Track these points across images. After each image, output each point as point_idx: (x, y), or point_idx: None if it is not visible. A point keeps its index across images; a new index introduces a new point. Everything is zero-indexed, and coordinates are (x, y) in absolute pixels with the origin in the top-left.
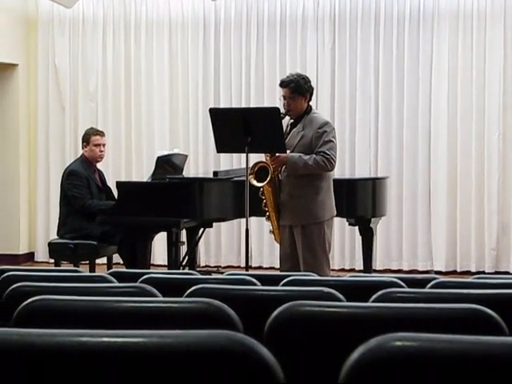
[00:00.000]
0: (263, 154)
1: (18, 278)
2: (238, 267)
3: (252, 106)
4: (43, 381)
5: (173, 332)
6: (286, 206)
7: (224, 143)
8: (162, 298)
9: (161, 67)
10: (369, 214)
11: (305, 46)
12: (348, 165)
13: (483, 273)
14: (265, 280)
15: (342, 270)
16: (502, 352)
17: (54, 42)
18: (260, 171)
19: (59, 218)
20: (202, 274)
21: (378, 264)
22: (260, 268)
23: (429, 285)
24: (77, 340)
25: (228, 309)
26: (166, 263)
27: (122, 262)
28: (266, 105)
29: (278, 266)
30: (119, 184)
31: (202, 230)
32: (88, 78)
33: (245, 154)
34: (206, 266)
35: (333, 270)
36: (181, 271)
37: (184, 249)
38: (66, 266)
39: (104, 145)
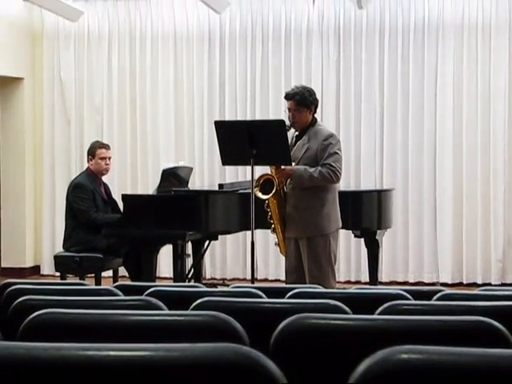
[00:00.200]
0: (268, 167)
1: (24, 292)
2: (244, 280)
3: (257, 118)
4: None
5: (179, 345)
6: (291, 218)
7: (229, 156)
8: (167, 311)
9: (166, 80)
10: (374, 226)
11: (310, 59)
12: (353, 177)
13: (489, 285)
14: (270, 292)
15: (348, 282)
16: (509, 365)
17: (60, 55)
18: (265, 184)
19: (65, 231)
20: (207, 287)
21: (383, 276)
22: (266, 280)
23: (435, 297)
24: (83, 354)
25: (234, 322)
26: (171, 276)
27: (127, 274)
28: (272, 117)
29: (283, 278)
30: (125, 197)
31: (207, 242)
32: (93, 91)
33: (250, 167)
34: (212, 279)
35: (338, 282)
36: (186, 284)
37: (190, 261)
38: (71, 279)
39: (109, 158)
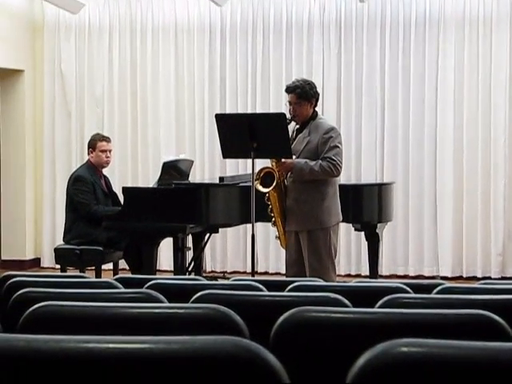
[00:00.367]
0: (269, 160)
1: (24, 284)
2: (244, 273)
3: (258, 111)
4: None
5: (179, 338)
6: (291, 212)
7: (230, 149)
8: (168, 304)
9: (167, 73)
10: (375, 220)
11: (311, 52)
12: (354, 170)
13: (489, 278)
14: (271, 286)
15: (348, 275)
16: (508, 358)
17: (60, 47)
18: (266, 177)
19: (65, 224)
20: (208, 280)
21: (383, 269)
22: (266, 273)
23: (435, 290)
24: (83, 346)
25: (234, 315)
26: (171, 269)
27: (127, 267)
28: (272, 110)
29: (284, 271)
30: (125, 190)
31: (208, 235)
32: (94, 83)
33: (251, 160)
34: (212, 272)
35: (339, 275)
36: (187, 277)
37: (190, 254)
38: (71, 271)
39: (110, 150)
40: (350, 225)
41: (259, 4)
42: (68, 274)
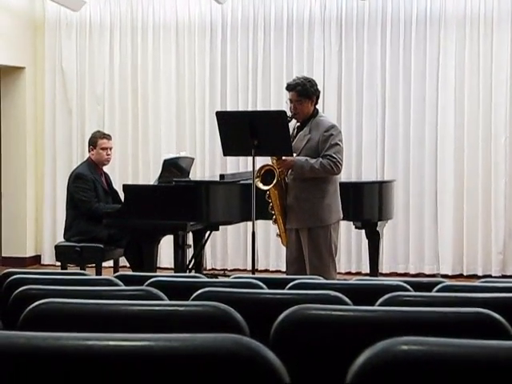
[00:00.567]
0: (270, 157)
1: (24, 281)
2: (245, 270)
3: (259, 109)
4: None
5: (179, 335)
6: (292, 209)
7: (230, 146)
8: (168, 302)
9: (168, 70)
10: (375, 218)
11: (311, 49)
12: (354, 168)
13: (490, 276)
14: (271, 283)
15: (349, 273)
16: (508, 356)
17: (61, 45)
18: (266, 174)
19: (66, 221)
20: (208, 278)
21: (384, 267)
22: (266, 271)
23: (435, 288)
24: (83, 343)
25: (234, 312)
26: (172, 266)
27: (128, 265)
28: (273, 108)
29: (284, 269)
30: (126, 187)
31: (208, 233)
32: (95, 81)
33: (251, 157)
34: (213, 269)
35: (339, 273)
36: (187, 274)
37: (190, 252)
38: (72, 268)
39: (111, 148)
40: (351, 223)
41: (260, 2)
42: (68, 271)
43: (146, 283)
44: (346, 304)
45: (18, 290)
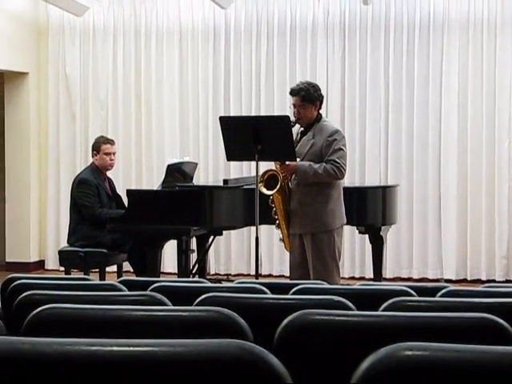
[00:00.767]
0: (273, 162)
1: (28, 286)
2: (248, 275)
3: (262, 114)
4: None
5: (183, 341)
6: (295, 214)
7: (234, 151)
8: (171, 307)
9: (171, 75)
10: (379, 223)
11: (315, 55)
12: (358, 173)
13: (494, 281)
14: (275, 288)
15: (352, 278)
16: None
17: (65, 50)
18: (270, 179)
19: (69, 226)
20: (211, 283)
21: (387, 272)
22: (270, 276)
23: (439, 293)
24: (87, 349)
25: (238, 317)
26: (175, 271)
27: (131, 270)
28: (276, 113)
29: (287, 274)
30: (129, 192)
31: (212, 237)
32: (98, 86)
33: (255, 162)
34: (216, 274)
35: (343, 278)
36: (191, 279)
37: (194, 257)
38: (76, 274)
39: (114, 153)
40: (354, 227)
41: (263, 7)
42: (72, 276)
43: (150, 288)
44: (350, 309)
45: (22, 296)
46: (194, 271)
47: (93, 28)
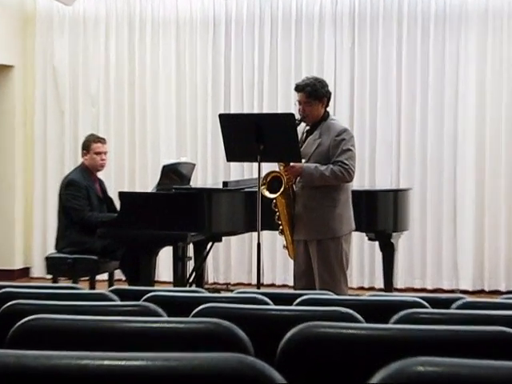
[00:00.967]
0: (276, 164)
1: (13, 295)
2: (249, 285)
3: (265, 111)
4: None
5: (178, 355)
6: (300, 219)
7: (235, 151)
8: (167, 318)
9: (167, 69)
10: (390, 229)
11: (322, 47)
12: (368, 175)
13: None
14: (277, 299)
15: (361, 288)
16: None
17: (53, 41)
18: (273, 182)
19: (57, 231)
20: (210, 292)
21: (399, 282)
22: (272, 286)
23: (454, 305)
24: (76, 363)
25: (238, 330)
26: (171, 280)
27: (124, 278)
28: (280, 110)
29: (291, 283)
30: (122, 194)
31: (210, 244)
32: (89, 80)
33: (257, 163)
34: (215, 284)
35: (351, 288)
36: (187, 289)
37: (191, 265)
38: (64, 282)
39: (105, 153)
40: (364, 234)
41: None
42: (60, 284)
43: (143, 298)
44: (358, 321)
45: (6, 305)
46: (190, 280)
47: (83, 17)
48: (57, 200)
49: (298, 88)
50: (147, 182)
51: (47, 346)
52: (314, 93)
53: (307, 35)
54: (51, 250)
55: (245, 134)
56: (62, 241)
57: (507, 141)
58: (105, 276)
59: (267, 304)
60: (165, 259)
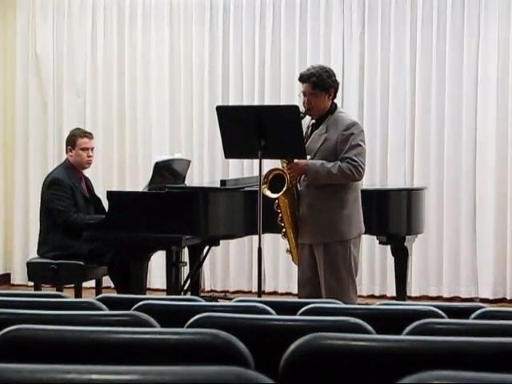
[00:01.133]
0: (279, 160)
1: None
2: (249, 292)
3: (266, 103)
4: None
5: (172, 368)
6: (305, 221)
7: (233, 147)
8: (159, 329)
9: (160, 57)
10: (403, 231)
11: (329, 32)
12: (379, 173)
13: None
14: (280, 308)
15: (372, 296)
16: None
17: (36, 28)
18: (275, 180)
19: (39, 234)
20: (206, 301)
21: (413, 290)
22: (275, 294)
23: (473, 315)
24: (61, 377)
25: (237, 342)
26: (164, 287)
27: (112, 285)
28: (283, 102)
29: (295, 291)
30: (110, 194)
31: (207, 248)
32: (75, 69)
33: (258, 160)
34: (212, 291)
35: (360, 296)
36: (182, 297)
37: (186, 271)
38: (47, 289)
39: (92, 148)
40: (374, 237)
41: None
42: (43, 292)
43: (134, 307)
44: (369, 333)
45: None
46: (185, 287)
47: (68, 2)
48: (39, 200)
49: (303, 78)
50: (138, 181)
51: (30, 358)
52: (321, 83)
53: (313, 20)
54: (33, 254)
55: (244, 128)
56: (45, 245)
57: None
58: (92, 283)
59: (269, 313)
60: (157, 265)
